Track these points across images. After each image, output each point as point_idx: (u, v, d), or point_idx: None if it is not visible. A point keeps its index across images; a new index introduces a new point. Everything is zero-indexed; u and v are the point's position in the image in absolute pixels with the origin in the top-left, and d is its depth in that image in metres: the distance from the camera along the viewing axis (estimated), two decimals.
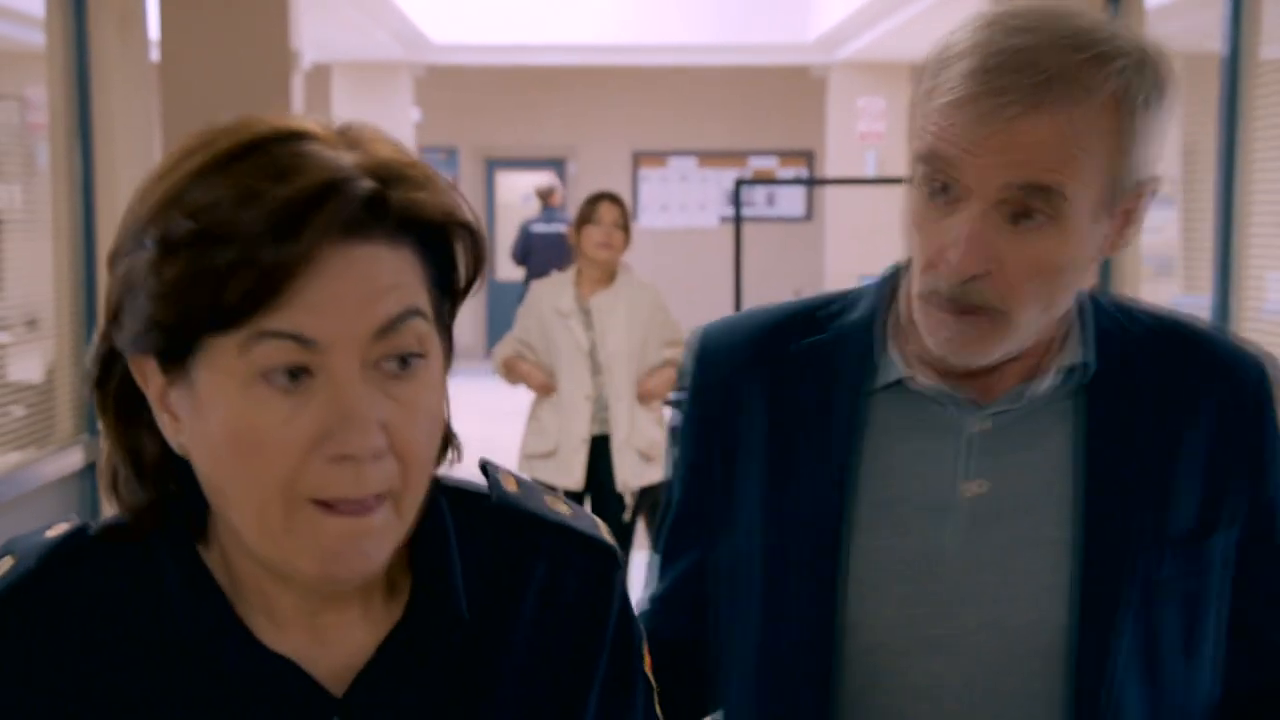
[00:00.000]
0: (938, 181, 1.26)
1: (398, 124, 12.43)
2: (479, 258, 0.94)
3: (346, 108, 12.49)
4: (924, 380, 1.35)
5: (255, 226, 0.84)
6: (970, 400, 1.35)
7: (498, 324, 15.16)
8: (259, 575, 0.94)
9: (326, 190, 0.85)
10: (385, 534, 0.90)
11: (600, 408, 4.97)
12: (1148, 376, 1.35)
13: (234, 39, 6.81)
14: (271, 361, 0.86)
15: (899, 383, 1.36)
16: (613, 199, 5.11)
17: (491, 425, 7.14)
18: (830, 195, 12.33)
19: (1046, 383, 1.34)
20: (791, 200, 14.57)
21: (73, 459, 4.49)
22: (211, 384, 0.87)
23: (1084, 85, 1.20)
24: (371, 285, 0.87)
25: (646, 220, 14.53)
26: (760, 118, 14.47)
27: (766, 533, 1.37)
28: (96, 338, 0.95)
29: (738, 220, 5.68)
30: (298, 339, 0.86)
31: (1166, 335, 1.38)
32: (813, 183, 7.99)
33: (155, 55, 5.38)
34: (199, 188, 0.86)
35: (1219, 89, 4.12)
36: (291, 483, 0.87)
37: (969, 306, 1.27)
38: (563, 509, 1.08)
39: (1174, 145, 5.08)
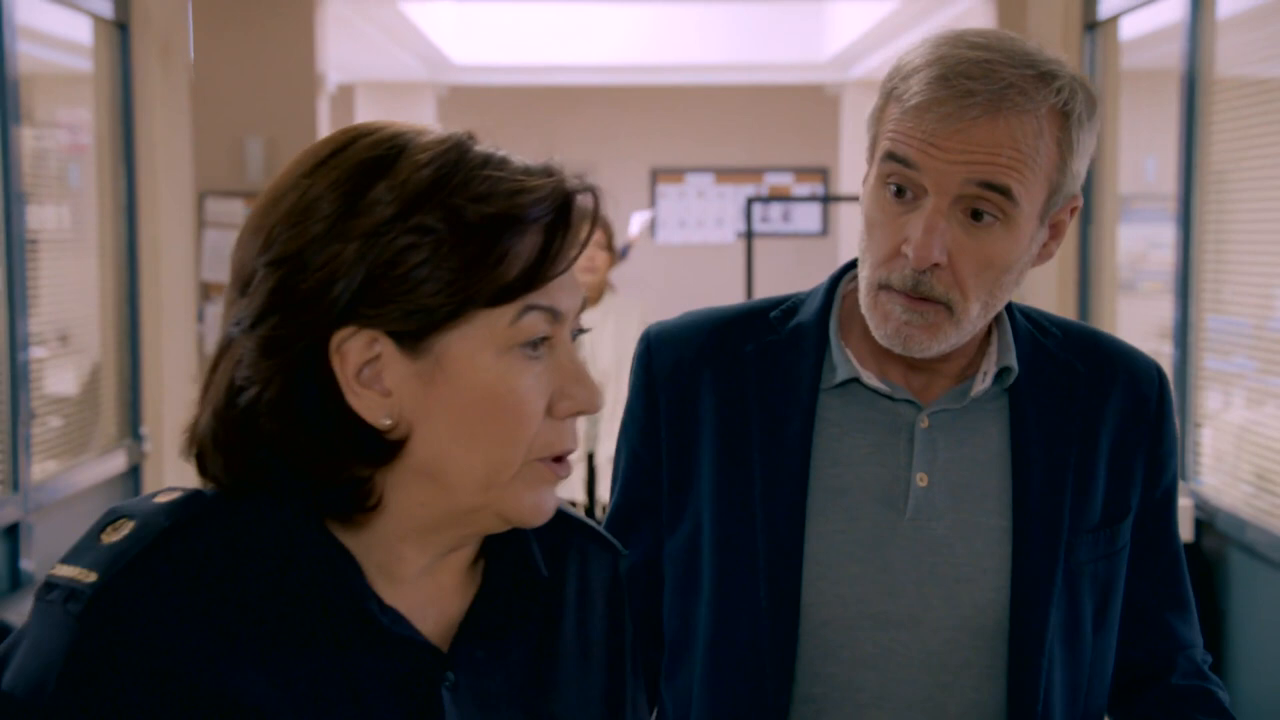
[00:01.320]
0: (898, 182, 1.37)
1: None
2: None
3: None
4: (872, 380, 1.45)
5: (543, 215, 0.97)
6: (913, 399, 1.45)
7: None
8: (405, 534, 1.01)
9: (579, 186, 1.00)
10: None
11: (591, 424, 5.04)
12: (1060, 380, 1.47)
13: (263, 62, 7.08)
14: (534, 331, 0.97)
15: (849, 381, 1.46)
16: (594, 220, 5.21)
17: None
18: (844, 211, 12.54)
19: (982, 385, 1.45)
20: (807, 216, 14.76)
21: (116, 462, 4.77)
22: (467, 353, 0.96)
23: (1034, 97, 1.33)
24: (574, 268, 1.01)
25: (664, 235, 14.75)
26: (776, 135, 14.68)
27: (719, 522, 1.46)
28: (293, 329, 0.97)
29: (749, 237, 5.91)
30: (553, 312, 0.98)
31: (1074, 342, 1.51)
32: (825, 200, 8.18)
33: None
34: (472, 174, 0.97)
35: (1179, 106, 4.34)
36: (531, 440, 0.98)
37: (921, 296, 1.37)
38: (573, 509, 1.17)
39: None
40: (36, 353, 4.27)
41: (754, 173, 14.89)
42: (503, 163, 0.98)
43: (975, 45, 1.35)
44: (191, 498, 0.99)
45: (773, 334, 1.49)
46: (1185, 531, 3.97)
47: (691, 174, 15.16)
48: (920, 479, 1.43)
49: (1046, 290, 5.45)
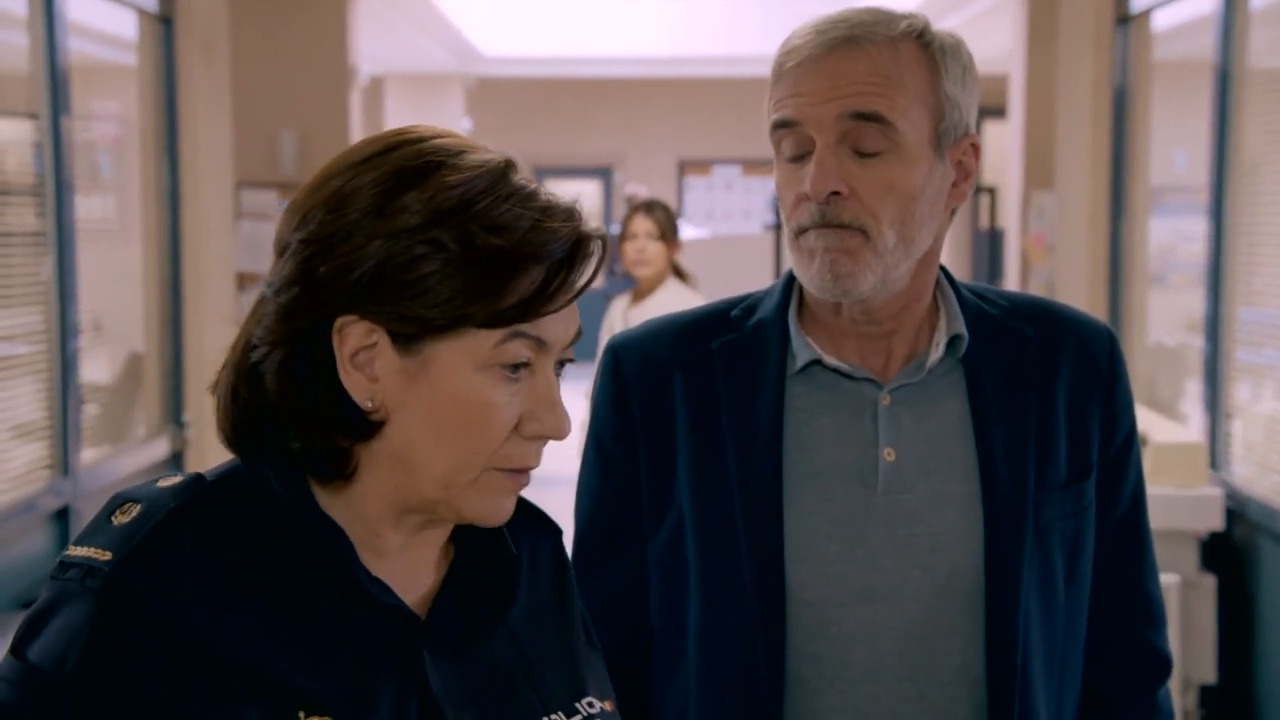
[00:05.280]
0: (791, 146, 1.45)
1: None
2: None
3: (400, 118, 12.80)
4: (832, 360, 1.50)
5: (555, 255, 1.06)
6: (873, 378, 1.50)
7: None
8: (382, 512, 1.09)
9: (590, 233, 1.08)
10: None
11: None
12: (1012, 345, 1.52)
13: (298, 55, 7.15)
14: (516, 356, 1.05)
15: (811, 366, 1.51)
16: (647, 209, 5.04)
17: None
18: None
19: (935, 355, 1.50)
20: None
21: (160, 449, 4.86)
22: (451, 362, 1.05)
23: (888, 28, 1.44)
24: (572, 306, 1.09)
25: (692, 228, 14.82)
26: None
27: (699, 516, 1.50)
28: (305, 304, 1.05)
29: (777, 229, 5.99)
30: (539, 341, 1.06)
31: (1022, 310, 1.56)
32: None
33: None
34: (495, 205, 1.05)
35: (1212, 98, 4.36)
36: (493, 452, 1.06)
37: (832, 224, 1.43)
38: None
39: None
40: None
41: None
42: (528, 198, 1.07)
43: (837, 14, 1.46)
44: (194, 481, 1.07)
45: (736, 331, 1.55)
46: (1216, 521, 4.01)
47: (719, 166, 15.21)
48: (888, 454, 1.48)
49: (1077, 283, 5.48)
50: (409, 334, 1.04)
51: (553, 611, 1.22)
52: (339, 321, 1.05)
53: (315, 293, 1.05)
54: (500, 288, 1.04)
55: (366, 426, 1.06)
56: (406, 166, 1.06)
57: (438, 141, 1.08)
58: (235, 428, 1.09)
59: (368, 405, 1.06)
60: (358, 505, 1.09)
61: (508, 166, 1.08)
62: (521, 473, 1.09)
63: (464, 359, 1.05)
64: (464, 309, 1.04)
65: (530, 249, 1.05)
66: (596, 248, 1.08)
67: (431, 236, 1.03)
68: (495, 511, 1.09)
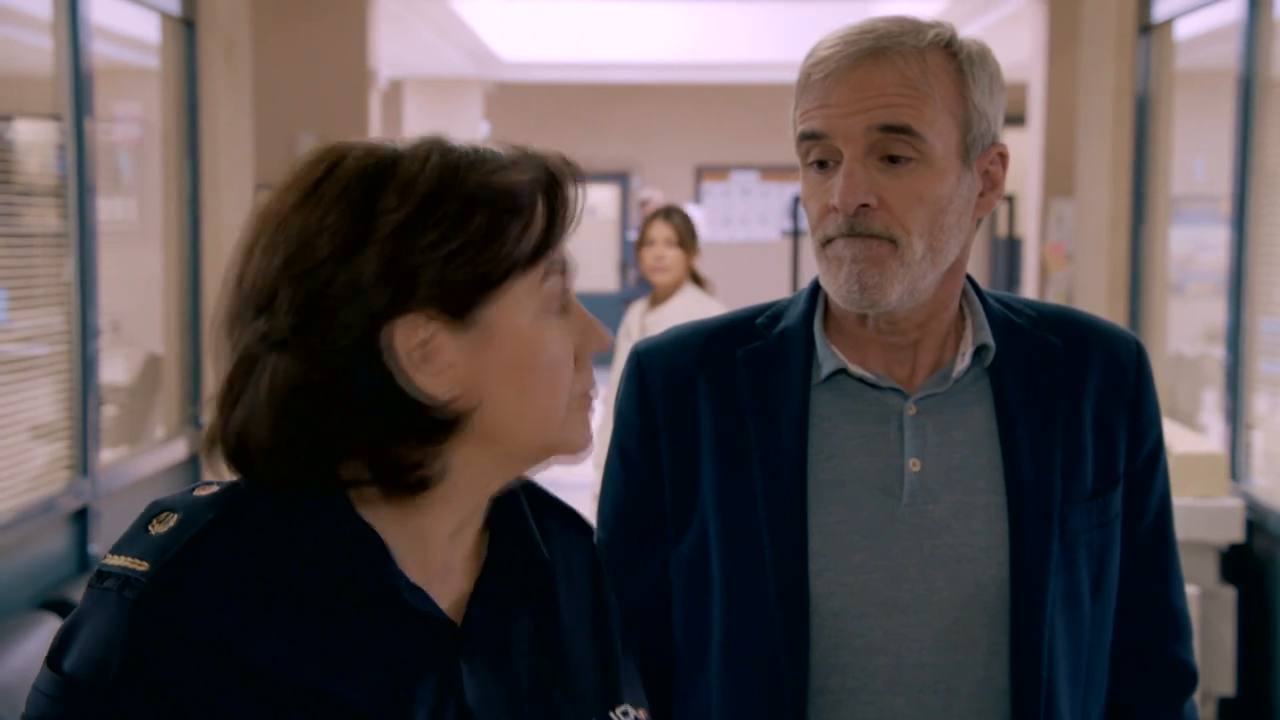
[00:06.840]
0: (817, 156, 1.45)
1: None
2: None
3: (418, 122, 12.82)
4: (858, 370, 1.50)
5: (541, 183, 1.09)
6: (899, 387, 1.50)
7: None
8: (444, 495, 1.09)
9: (545, 154, 1.11)
10: None
11: None
12: (1039, 355, 1.52)
13: (318, 58, 7.17)
14: (557, 290, 1.10)
15: (836, 375, 1.51)
16: (666, 215, 5.06)
17: None
18: None
19: (961, 365, 1.50)
20: None
21: (178, 450, 4.86)
22: (509, 318, 1.07)
23: (915, 39, 1.43)
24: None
25: (709, 233, 14.79)
26: None
27: (723, 524, 1.49)
28: (358, 321, 1.04)
29: (795, 235, 5.98)
30: (565, 263, 1.11)
31: (1048, 319, 1.55)
32: None
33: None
34: (472, 164, 1.08)
35: (1235, 107, 4.34)
36: (568, 385, 1.11)
37: (860, 234, 1.43)
38: (549, 491, 1.27)
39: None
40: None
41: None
42: (486, 149, 1.09)
43: (861, 25, 1.47)
44: (230, 490, 1.07)
45: (760, 339, 1.55)
46: (1236, 532, 3.99)
47: (736, 172, 15.19)
48: (913, 465, 1.48)
49: (1096, 291, 5.46)
50: (463, 306, 1.05)
51: (590, 614, 1.22)
52: (383, 333, 1.03)
53: (335, 322, 1.03)
54: (526, 223, 1.07)
55: (442, 425, 1.06)
56: (367, 168, 1.05)
57: (370, 143, 1.08)
58: (293, 475, 1.05)
59: (447, 397, 1.05)
60: (409, 505, 1.08)
61: (440, 137, 1.10)
62: (586, 398, 1.13)
63: (518, 311, 1.07)
64: (504, 255, 1.05)
65: (521, 182, 1.07)
66: (566, 163, 1.11)
67: (439, 215, 1.04)
68: (584, 437, 1.13)
